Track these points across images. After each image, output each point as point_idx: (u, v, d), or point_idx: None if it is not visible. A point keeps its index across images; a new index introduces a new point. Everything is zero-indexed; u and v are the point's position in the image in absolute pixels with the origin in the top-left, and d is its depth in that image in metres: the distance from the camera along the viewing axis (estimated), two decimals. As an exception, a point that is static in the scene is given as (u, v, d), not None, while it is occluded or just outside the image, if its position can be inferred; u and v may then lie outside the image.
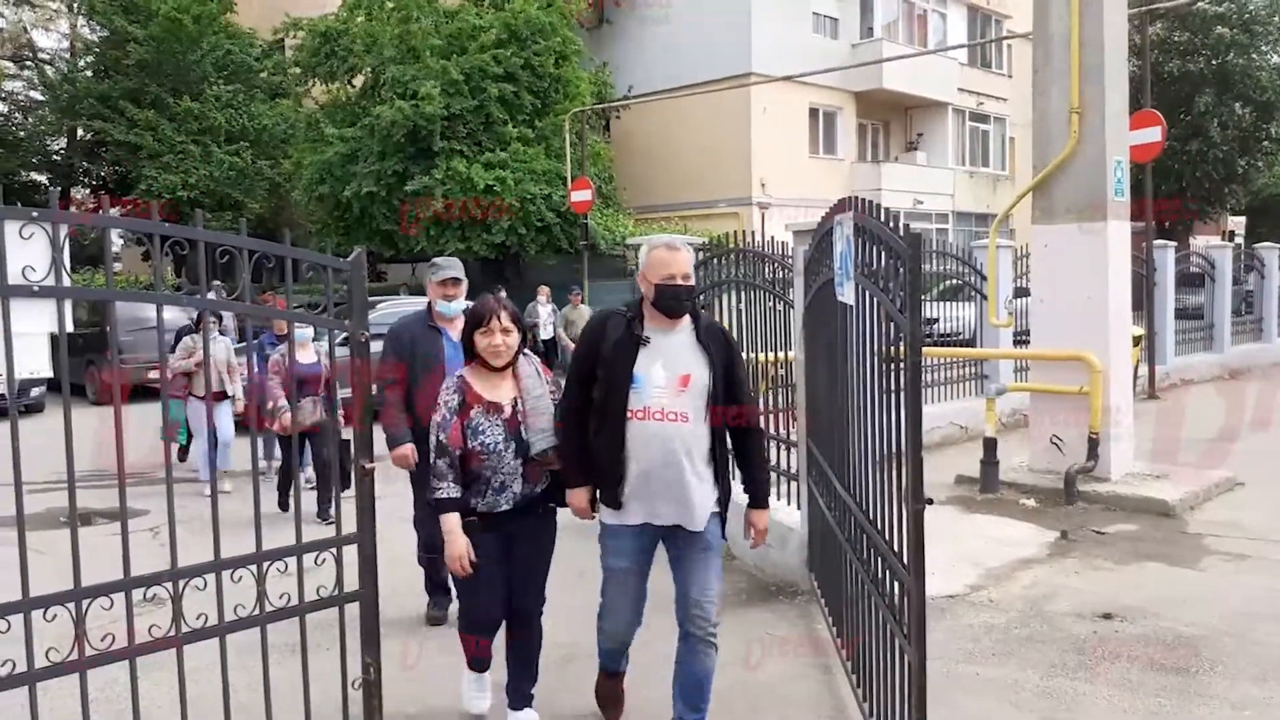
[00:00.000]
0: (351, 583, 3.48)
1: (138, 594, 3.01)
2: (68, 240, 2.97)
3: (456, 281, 4.89)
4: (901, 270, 3.00)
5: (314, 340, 7.97)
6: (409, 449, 4.59)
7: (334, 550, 3.42)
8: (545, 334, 17.15)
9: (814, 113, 26.46)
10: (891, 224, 3.14)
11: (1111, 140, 7.45)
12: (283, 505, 7.53)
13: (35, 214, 2.86)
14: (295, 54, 23.77)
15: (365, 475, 3.49)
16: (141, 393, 13.04)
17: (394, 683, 3.86)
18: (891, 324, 3.12)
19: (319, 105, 24.08)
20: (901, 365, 3.02)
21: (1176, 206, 27.45)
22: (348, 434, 4.03)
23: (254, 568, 3.23)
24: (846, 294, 3.80)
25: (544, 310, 17.33)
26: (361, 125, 20.71)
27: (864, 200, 3.56)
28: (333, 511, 4.74)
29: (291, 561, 3.33)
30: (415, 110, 19.43)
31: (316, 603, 3.37)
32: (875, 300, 3.33)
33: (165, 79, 25.75)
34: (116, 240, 31.48)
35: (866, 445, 3.54)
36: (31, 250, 2.86)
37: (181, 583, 3.09)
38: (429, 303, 5.01)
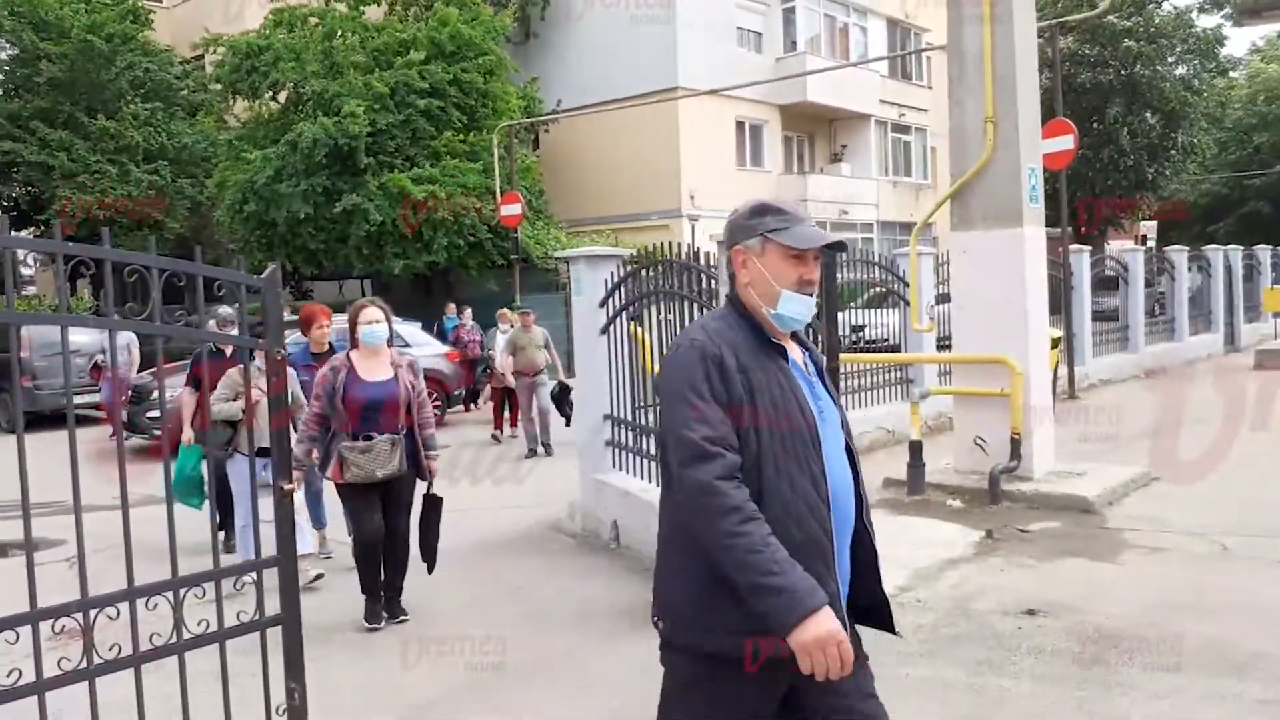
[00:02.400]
0: (274, 607, 3.40)
1: (46, 627, 2.90)
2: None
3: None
4: (820, 275, 3.03)
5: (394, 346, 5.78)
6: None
7: (254, 575, 3.34)
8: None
9: (740, 125, 26.77)
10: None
11: (1025, 149, 7.67)
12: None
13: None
14: (216, 70, 23.31)
15: (284, 497, 3.42)
16: (59, 420, 12.60)
17: (322, 710, 3.78)
18: (809, 329, 3.16)
19: (241, 123, 23.63)
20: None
21: (1091, 209, 28.38)
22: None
23: (170, 594, 3.14)
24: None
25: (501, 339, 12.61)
26: (285, 142, 20.38)
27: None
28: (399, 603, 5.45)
29: (210, 588, 3.24)
30: (338, 127, 19.17)
31: (236, 628, 3.29)
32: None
33: (80, 97, 25.00)
34: (31, 263, 30.46)
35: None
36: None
37: (93, 613, 2.99)
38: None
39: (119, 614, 3.02)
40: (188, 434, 6.66)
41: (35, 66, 24.63)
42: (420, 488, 5.47)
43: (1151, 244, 27.27)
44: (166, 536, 3.21)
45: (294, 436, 4.99)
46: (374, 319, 5.35)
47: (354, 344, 5.34)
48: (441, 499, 5.51)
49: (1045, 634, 4.65)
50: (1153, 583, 5.39)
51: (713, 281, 5.91)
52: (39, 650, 2.84)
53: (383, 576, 5.37)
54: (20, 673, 2.81)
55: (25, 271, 31.26)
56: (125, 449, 3.28)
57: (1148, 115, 28.95)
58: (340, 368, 5.21)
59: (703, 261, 6.12)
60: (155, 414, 10.91)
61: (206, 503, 5.74)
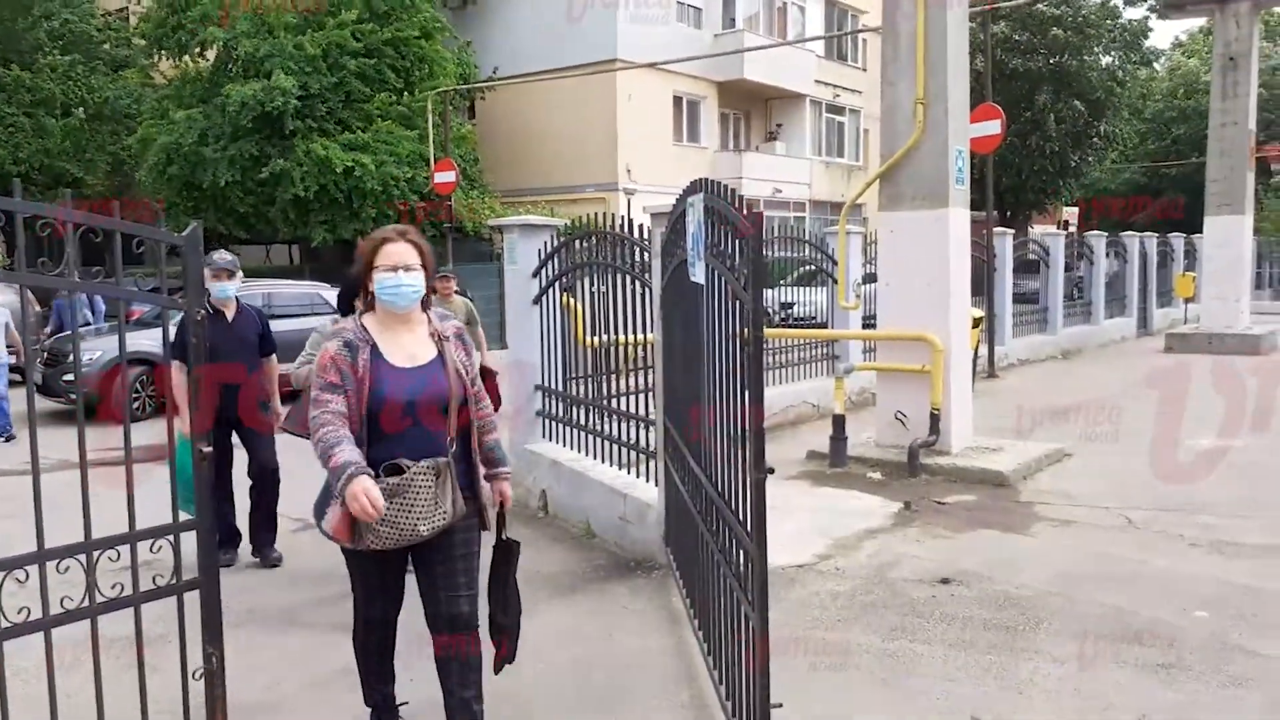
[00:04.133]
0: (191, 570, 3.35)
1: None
2: None
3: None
4: (745, 249, 3.09)
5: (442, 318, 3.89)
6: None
7: (170, 537, 3.28)
8: None
9: (678, 101, 26.77)
10: (737, 205, 3.22)
11: (954, 131, 7.83)
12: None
13: None
14: (141, 25, 22.47)
15: (202, 459, 3.36)
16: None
17: (238, 671, 3.74)
18: (738, 301, 3.20)
19: (167, 80, 22.84)
20: (745, 340, 3.10)
21: (1016, 193, 29.04)
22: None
23: (83, 557, 3.07)
24: (698, 274, 3.88)
25: None
26: (213, 104, 19.77)
27: (713, 181, 3.64)
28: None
29: (125, 550, 3.18)
30: (267, 92, 18.66)
31: (152, 592, 3.23)
32: (723, 279, 3.41)
33: (-11, 46, 23.94)
34: (-64, 220, 29.25)
35: (717, 420, 3.63)
36: None
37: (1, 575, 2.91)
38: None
39: (28, 577, 2.95)
40: (184, 422, 4.96)
41: (-54, 14, 23.51)
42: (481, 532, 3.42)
43: (1073, 229, 28.08)
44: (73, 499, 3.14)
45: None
46: (403, 262, 3.19)
47: (368, 305, 3.28)
48: (518, 545, 3.54)
49: (958, 602, 4.81)
50: (1061, 554, 5.61)
51: (645, 254, 5.94)
52: (-57, 613, 2.77)
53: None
54: (-78, 636, 2.74)
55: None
56: (38, 413, 3.19)
57: (1075, 103, 29.65)
58: (359, 343, 3.15)
59: (635, 234, 6.13)
60: (70, 377, 10.58)
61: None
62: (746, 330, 3.05)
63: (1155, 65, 39.17)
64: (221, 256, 5.71)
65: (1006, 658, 4.16)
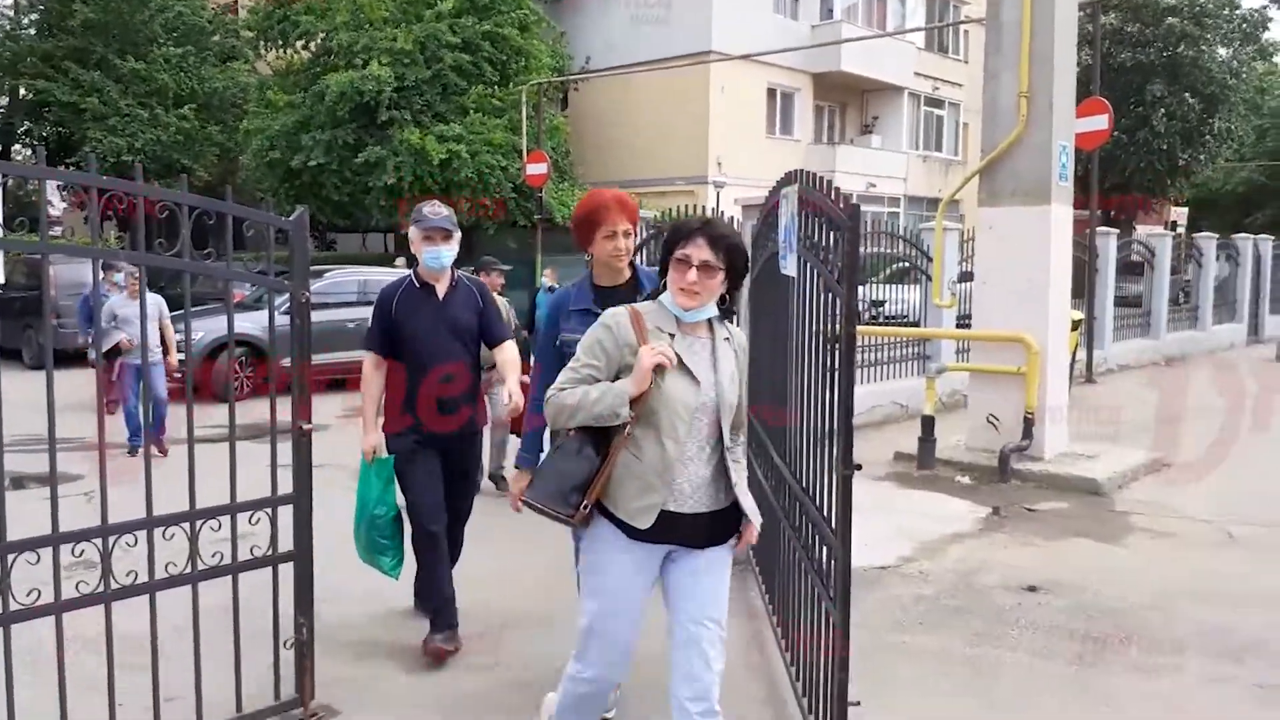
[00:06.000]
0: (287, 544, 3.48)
1: (66, 552, 2.98)
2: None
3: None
4: (841, 241, 3.05)
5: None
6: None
7: (269, 510, 3.41)
8: None
9: (772, 93, 26.52)
10: (833, 196, 3.18)
11: (1058, 126, 7.60)
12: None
13: (-37, 164, 2.81)
14: (248, 17, 23.27)
15: (303, 436, 3.48)
16: (79, 358, 12.77)
17: (327, 643, 3.87)
18: (830, 294, 3.17)
19: (271, 71, 23.63)
20: (838, 335, 3.06)
21: (1124, 199, 28.01)
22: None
23: (186, 526, 3.22)
24: (789, 266, 3.84)
25: None
26: (312, 93, 20.38)
27: (808, 172, 3.60)
28: None
29: (226, 521, 3.32)
30: (363, 81, 19.14)
31: (250, 562, 3.37)
32: (815, 271, 3.38)
33: (112, 39, 25.03)
34: (59, 203, 30.69)
35: (804, 415, 3.61)
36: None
37: (111, 539, 3.07)
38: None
39: (136, 542, 3.10)
40: (371, 437, 4.12)
41: (69, 6, 24.67)
42: None
43: (1181, 231, 26.94)
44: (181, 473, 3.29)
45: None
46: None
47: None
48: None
49: (1045, 610, 4.68)
50: (1156, 566, 5.41)
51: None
52: (59, 572, 2.93)
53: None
54: (39, 593, 2.90)
55: (51, 212, 31.48)
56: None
57: (1187, 97, 28.39)
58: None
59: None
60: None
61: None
62: (839, 324, 3.01)
63: (1275, 59, 37.29)
64: (435, 210, 4.11)
65: (1094, 670, 4.04)
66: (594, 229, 3.41)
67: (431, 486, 4.12)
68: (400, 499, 4.16)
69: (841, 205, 3.05)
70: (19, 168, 3.18)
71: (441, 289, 4.18)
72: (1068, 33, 7.73)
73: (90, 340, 10.25)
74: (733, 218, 6.09)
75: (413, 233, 4.15)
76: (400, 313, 4.11)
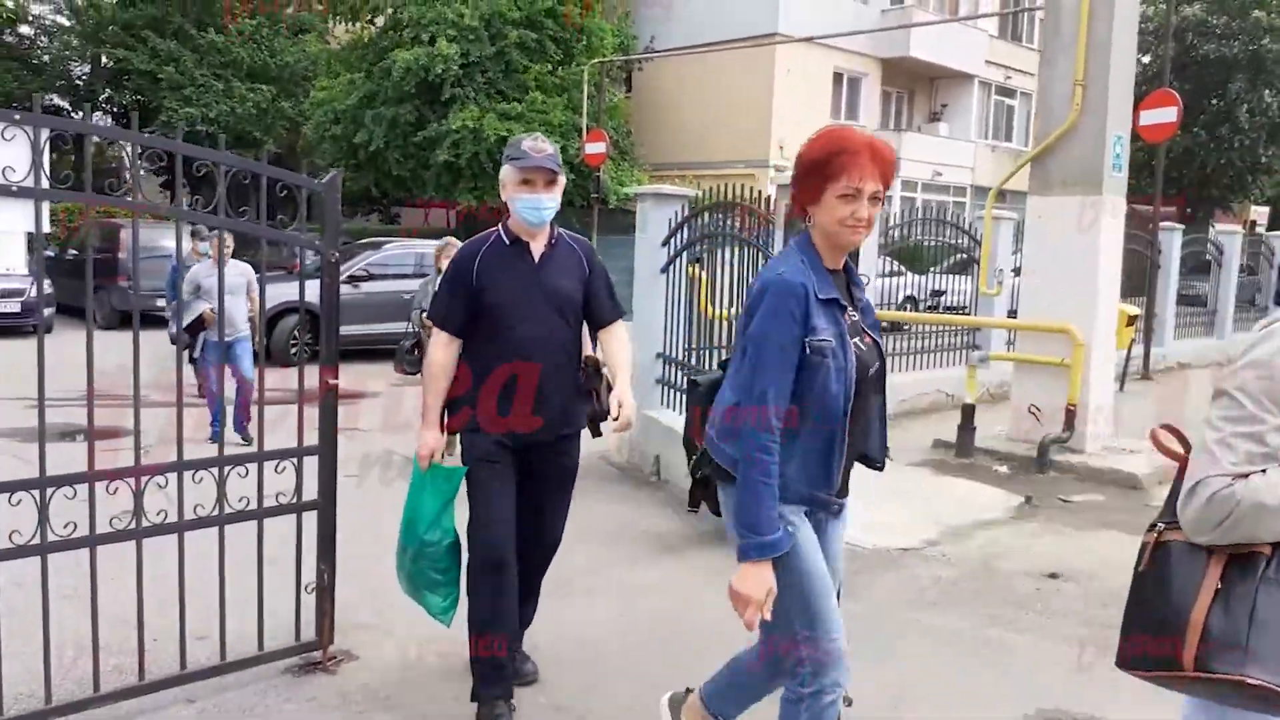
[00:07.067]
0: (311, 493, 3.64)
1: (101, 489, 3.16)
2: (47, 147, 3.11)
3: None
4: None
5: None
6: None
7: (294, 460, 3.56)
8: None
9: (838, 77, 26.25)
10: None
11: (1113, 115, 7.45)
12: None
13: (17, 116, 2.98)
14: (321, -9, 23.80)
15: (329, 389, 3.62)
16: (148, 320, 13.24)
17: (347, 591, 4.03)
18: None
19: (341, 45, 24.08)
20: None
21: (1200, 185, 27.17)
22: None
23: (215, 470, 3.38)
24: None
25: None
26: (380, 68, 20.72)
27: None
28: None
29: (252, 467, 3.47)
30: (430, 58, 19.40)
31: (274, 508, 3.52)
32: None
33: (189, 10, 25.74)
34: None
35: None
36: (12, 151, 2.98)
37: (144, 480, 3.24)
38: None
39: (167, 483, 3.27)
40: (431, 436, 3.33)
41: (148, -25, 25.43)
42: None
43: (1262, 230, 26.05)
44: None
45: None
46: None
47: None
48: None
49: (1062, 597, 4.67)
50: (1187, 562, 5.33)
51: (772, 226, 5.94)
52: (94, 507, 3.11)
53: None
54: (75, 526, 3.08)
55: (126, 176, 32.53)
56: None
57: (1267, 94, 27.41)
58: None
59: (762, 206, 6.14)
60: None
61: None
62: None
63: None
64: (536, 146, 3.26)
65: (1101, 654, 4.02)
66: (827, 181, 2.34)
67: (505, 503, 3.26)
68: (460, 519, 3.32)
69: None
70: (110, 129, 3.45)
71: (538, 249, 3.33)
72: (1128, 19, 7.55)
73: (171, 310, 9.44)
74: (770, 197, 6.11)
75: (506, 173, 3.28)
76: (484, 276, 3.26)
